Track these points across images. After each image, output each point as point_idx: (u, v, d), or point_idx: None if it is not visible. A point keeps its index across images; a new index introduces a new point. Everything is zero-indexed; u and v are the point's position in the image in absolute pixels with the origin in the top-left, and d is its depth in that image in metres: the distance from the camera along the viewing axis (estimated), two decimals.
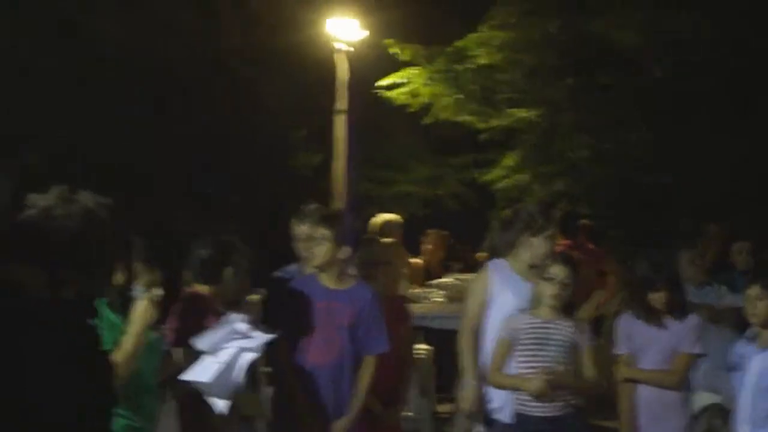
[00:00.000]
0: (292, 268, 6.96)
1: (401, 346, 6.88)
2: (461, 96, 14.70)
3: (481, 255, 9.28)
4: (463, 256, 12.44)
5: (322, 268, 6.24)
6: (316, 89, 15.82)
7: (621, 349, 6.68)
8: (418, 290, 10.25)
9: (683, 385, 6.61)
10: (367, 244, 6.95)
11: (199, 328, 5.44)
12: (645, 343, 6.59)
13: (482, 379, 6.32)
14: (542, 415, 5.99)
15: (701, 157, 13.72)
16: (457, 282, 10.46)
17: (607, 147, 14.54)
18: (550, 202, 13.62)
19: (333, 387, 6.15)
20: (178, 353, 5.53)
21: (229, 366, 5.36)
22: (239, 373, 5.41)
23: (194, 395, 5.46)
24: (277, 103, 15.97)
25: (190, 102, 14.90)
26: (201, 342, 5.37)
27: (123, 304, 5.00)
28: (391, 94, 14.59)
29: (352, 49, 15.22)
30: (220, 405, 5.40)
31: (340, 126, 15.31)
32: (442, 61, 14.69)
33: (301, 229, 6.69)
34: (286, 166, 16.67)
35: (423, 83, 14.65)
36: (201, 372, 5.34)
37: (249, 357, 5.44)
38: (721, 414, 7.58)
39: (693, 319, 6.60)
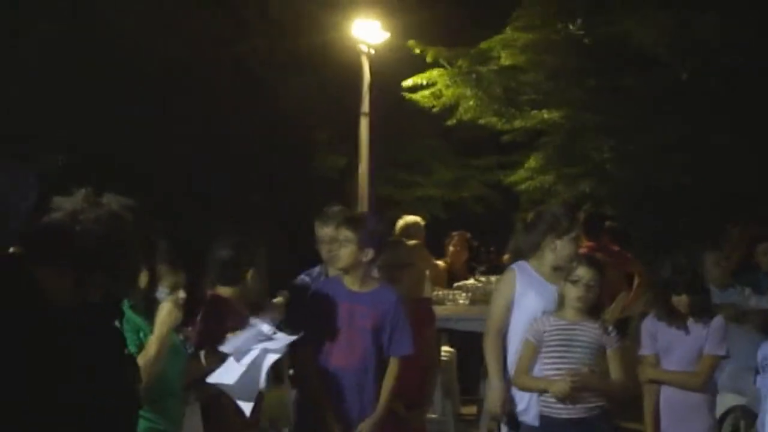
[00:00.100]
0: (316, 270, 6.97)
1: (426, 349, 6.88)
2: (484, 97, 14.67)
3: (506, 257, 9.28)
4: (487, 258, 12.43)
5: (345, 271, 6.24)
6: (341, 92, 15.85)
7: (645, 350, 6.67)
8: (442, 292, 10.25)
9: (707, 386, 6.58)
10: (392, 246, 6.94)
11: (222, 330, 5.45)
12: (669, 344, 6.57)
13: (507, 381, 6.32)
14: (568, 417, 5.97)
15: (725, 158, 13.66)
16: (481, 284, 10.46)
17: (630, 148, 14.48)
18: (574, 204, 13.60)
19: (357, 390, 6.15)
20: (202, 356, 5.54)
21: (253, 368, 5.38)
22: (262, 374, 5.42)
23: (218, 398, 5.48)
24: (302, 106, 16.01)
25: (215, 106, 14.94)
26: (226, 346, 5.38)
27: (147, 307, 5.02)
28: (415, 96, 14.59)
29: (373, 51, 15.24)
30: (244, 407, 5.41)
31: (365, 128, 15.33)
32: (465, 63, 14.68)
33: (325, 231, 6.70)
34: (311, 169, 16.71)
35: (446, 84, 14.64)
36: (225, 374, 5.36)
37: (272, 358, 5.45)
38: (747, 416, 7.57)
39: (717, 321, 6.57)
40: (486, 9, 15.41)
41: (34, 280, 3.23)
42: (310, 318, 6.11)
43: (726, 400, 7.66)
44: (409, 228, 10.34)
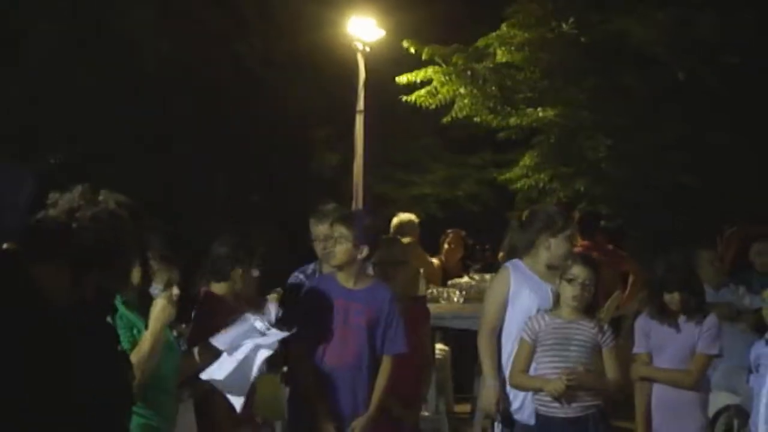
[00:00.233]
0: (310, 267, 6.97)
1: (420, 347, 6.88)
2: (479, 95, 14.66)
3: (501, 255, 9.28)
4: (482, 257, 12.44)
5: (340, 268, 6.24)
6: (337, 90, 15.84)
7: (639, 348, 6.69)
8: (436, 290, 10.25)
9: (700, 385, 6.59)
10: (387, 244, 6.94)
11: (215, 327, 5.46)
12: (662, 343, 6.59)
13: (501, 379, 6.33)
14: (564, 416, 5.98)
15: (723, 157, 13.66)
16: (476, 282, 10.46)
17: (627, 147, 14.48)
18: (569, 203, 13.61)
19: (350, 387, 6.15)
20: (195, 352, 5.54)
21: (244, 363, 5.38)
22: (254, 370, 5.42)
23: (211, 394, 5.48)
24: (300, 105, 16.01)
25: (214, 105, 14.94)
26: (218, 341, 5.39)
27: (140, 303, 5.02)
28: (412, 97, 14.58)
29: (368, 49, 15.22)
30: (235, 402, 5.42)
31: (360, 126, 15.32)
32: (460, 60, 14.67)
33: (320, 228, 6.70)
34: (309, 168, 16.71)
35: (441, 82, 14.62)
36: (217, 370, 5.36)
37: (264, 354, 5.45)
38: (740, 415, 7.58)
39: (710, 320, 6.58)
40: (481, 7, 15.41)
41: (31, 277, 3.23)
42: (304, 315, 6.11)
43: (719, 399, 7.67)
44: (403, 226, 10.36)
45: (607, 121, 14.48)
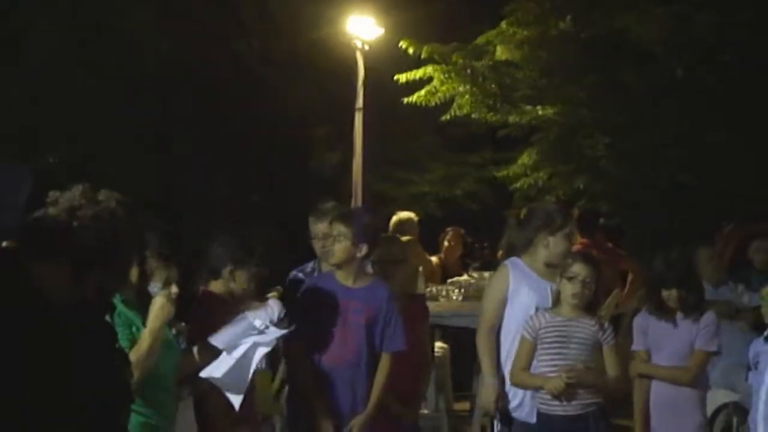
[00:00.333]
0: (309, 265, 6.98)
1: (419, 345, 6.89)
2: (478, 93, 14.66)
3: (500, 253, 9.29)
4: (481, 255, 12.45)
5: (339, 266, 6.24)
6: (336, 88, 15.86)
7: (637, 345, 6.70)
8: (435, 288, 10.26)
9: (698, 382, 6.60)
10: (386, 242, 6.94)
11: (214, 325, 5.46)
12: (660, 339, 6.59)
13: (500, 377, 6.34)
14: (564, 413, 5.99)
15: (722, 155, 13.67)
16: (475, 280, 10.47)
17: (626, 145, 14.49)
18: (568, 201, 13.62)
19: (349, 385, 6.14)
20: (194, 351, 5.55)
21: (242, 361, 5.38)
22: (252, 368, 5.43)
23: (210, 392, 5.49)
24: (300, 105, 16.02)
25: (213, 104, 14.94)
26: (217, 340, 5.39)
27: (139, 301, 5.02)
28: (412, 98, 14.57)
29: (367, 47, 15.24)
30: (234, 400, 5.42)
31: (359, 125, 15.33)
32: (459, 58, 14.67)
33: (319, 227, 6.71)
34: (309, 166, 16.72)
35: (441, 81, 14.62)
36: (215, 368, 5.37)
37: (262, 352, 5.46)
38: (739, 412, 7.59)
39: (708, 317, 6.58)
40: (480, 5, 15.42)
41: (31, 276, 3.23)
42: (303, 313, 6.11)
43: (718, 397, 7.68)
44: (402, 224, 10.36)
45: (606, 119, 14.49)
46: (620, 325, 9.06)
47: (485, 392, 6.39)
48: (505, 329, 6.34)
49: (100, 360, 3.33)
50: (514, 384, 6.24)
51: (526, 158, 15.16)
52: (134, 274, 4.76)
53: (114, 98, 13.53)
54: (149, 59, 13.94)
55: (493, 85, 14.75)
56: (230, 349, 5.38)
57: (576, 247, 7.94)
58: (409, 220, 10.52)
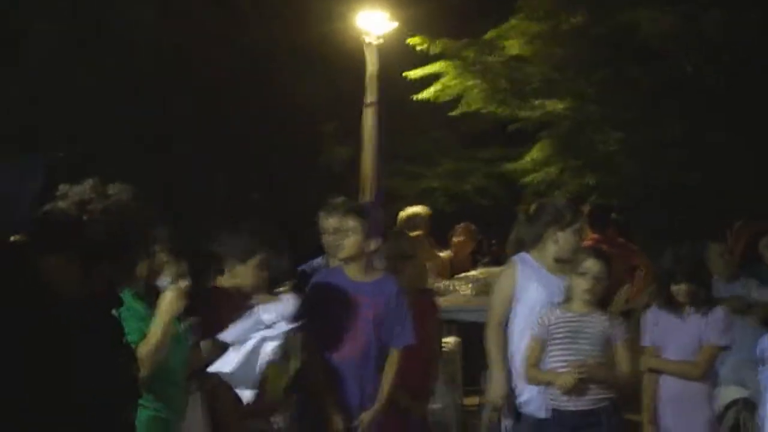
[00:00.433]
0: (317, 261, 6.99)
1: (428, 340, 6.89)
2: (489, 88, 14.65)
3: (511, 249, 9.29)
4: (490, 250, 12.44)
5: (348, 261, 6.25)
6: (346, 83, 15.84)
7: (646, 340, 6.69)
8: (444, 283, 10.25)
9: (707, 377, 6.58)
10: (395, 237, 6.95)
11: (222, 321, 5.47)
12: (669, 334, 6.59)
13: (508, 372, 6.34)
14: (575, 409, 6.00)
15: (725, 155, 13.64)
16: (485, 275, 10.46)
17: (637, 141, 14.46)
18: (579, 196, 13.60)
19: (358, 380, 6.16)
20: (205, 346, 5.55)
21: (251, 356, 5.39)
22: (261, 362, 5.43)
23: (219, 387, 5.50)
24: (307, 97, 16.01)
25: (219, 97, 14.94)
26: (227, 334, 5.40)
27: (149, 295, 5.03)
28: (423, 95, 14.56)
29: (380, 41, 15.21)
30: (243, 395, 5.43)
31: (369, 120, 15.31)
32: (471, 53, 14.66)
33: (330, 222, 6.72)
34: (315, 160, 16.72)
35: (453, 76, 14.61)
36: (224, 363, 5.38)
37: (270, 346, 5.46)
38: (749, 408, 7.57)
39: (718, 312, 6.57)
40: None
41: (39, 270, 3.23)
42: (312, 307, 6.12)
43: (728, 393, 7.67)
44: (411, 219, 10.36)
45: (615, 114, 14.47)
46: (631, 321, 9.05)
47: (493, 387, 6.40)
48: (513, 324, 6.35)
49: (103, 356, 3.32)
50: (527, 380, 6.24)
51: (536, 153, 15.14)
52: (142, 268, 4.76)
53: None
54: (149, 58, 13.93)
55: (503, 80, 14.73)
56: (239, 343, 5.39)
57: (586, 243, 7.94)
58: (418, 216, 10.52)
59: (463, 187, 18.09)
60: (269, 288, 6.52)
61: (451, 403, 9.66)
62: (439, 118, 16.13)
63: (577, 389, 5.94)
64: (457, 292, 10.17)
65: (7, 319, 3.10)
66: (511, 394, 6.34)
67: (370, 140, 14.98)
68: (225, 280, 5.87)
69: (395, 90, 14.96)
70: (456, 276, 10.68)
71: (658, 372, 6.64)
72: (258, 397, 5.52)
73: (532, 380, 6.22)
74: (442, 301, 8.69)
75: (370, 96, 14.80)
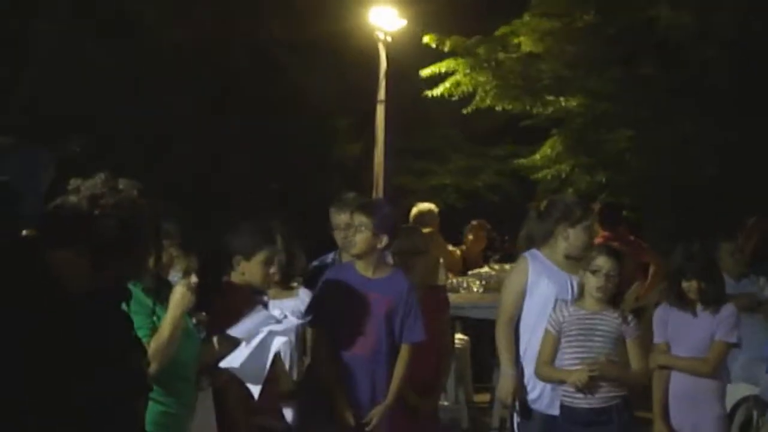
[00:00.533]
0: (329, 256, 7.00)
1: (439, 336, 6.89)
2: (502, 85, 14.64)
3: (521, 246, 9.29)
4: (502, 247, 12.43)
5: (359, 257, 6.25)
6: (358, 79, 15.86)
7: (657, 337, 6.68)
8: (456, 280, 10.26)
9: (717, 373, 6.58)
10: (406, 233, 6.95)
11: (233, 315, 5.47)
12: (679, 331, 6.58)
13: (519, 369, 6.34)
14: (588, 406, 5.99)
15: (745, 150, 13.60)
16: (495, 272, 10.46)
17: (650, 139, 14.44)
18: (590, 193, 13.59)
19: (369, 376, 6.16)
20: (214, 341, 5.56)
21: (259, 350, 5.40)
22: (269, 357, 5.44)
23: (229, 382, 5.50)
24: (319, 94, 16.04)
25: (232, 92, 14.97)
26: (236, 330, 5.41)
27: (159, 290, 5.04)
28: (435, 92, 14.56)
29: (390, 39, 15.24)
30: (253, 389, 5.44)
31: (381, 116, 15.34)
32: (483, 50, 14.65)
33: (341, 218, 6.73)
34: (327, 157, 16.74)
35: (465, 73, 14.61)
36: (234, 358, 5.38)
37: (279, 341, 5.47)
38: (759, 405, 7.57)
39: (728, 309, 6.56)
40: None
41: (49, 264, 3.24)
42: (323, 304, 6.13)
43: (739, 390, 7.65)
44: (423, 215, 10.36)
45: (627, 112, 14.45)
46: (642, 318, 9.04)
47: (503, 384, 6.40)
48: (524, 321, 6.35)
49: (113, 348, 3.33)
50: (539, 377, 6.24)
51: (547, 150, 15.13)
52: (151, 262, 4.77)
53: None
54: (164, 49, 13.94)
55: (516, 77, 14.73)
56: (249, 338, 5.39)
57: (597, 240, 7.93)
58: (429, 212, 10.52)
59: (474, 183, 18.11)
60: (282, 283, 6.55)
61: (461, 399, 9.67)
62: (451, 115, 16.14)
63: (589, 387, 5.94)
64: (470, 289, 10.17)
65: (16, 315, 3.11)
66: (521, 391, 6.34)
67: (381, 137, 15.01)
68: (235, 277, 5.88)
69: (408, 86, 14.98)
70: (469, 273, 10.69)
71: (668, 369, 6.63)
72: (267, 392, 5.52)
73: (544, 377, 6.22)
74: (453, 298, 8.70)
75: (382, 93, 14.82)
